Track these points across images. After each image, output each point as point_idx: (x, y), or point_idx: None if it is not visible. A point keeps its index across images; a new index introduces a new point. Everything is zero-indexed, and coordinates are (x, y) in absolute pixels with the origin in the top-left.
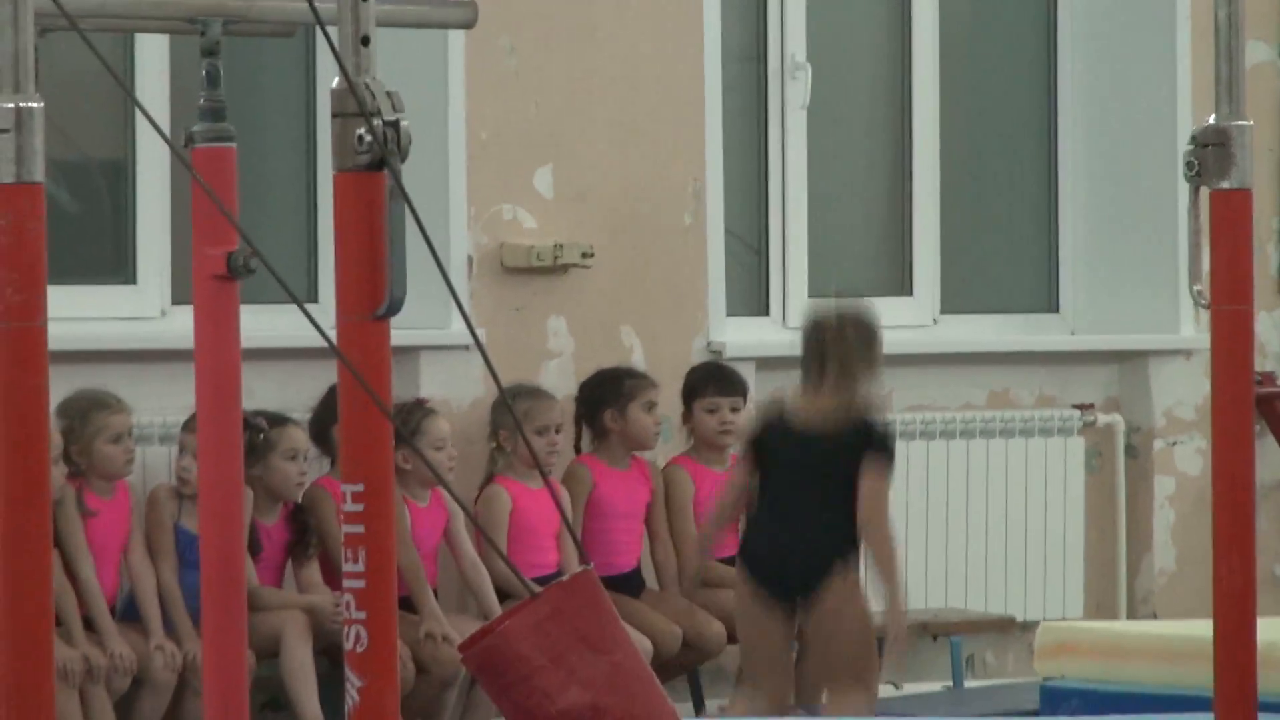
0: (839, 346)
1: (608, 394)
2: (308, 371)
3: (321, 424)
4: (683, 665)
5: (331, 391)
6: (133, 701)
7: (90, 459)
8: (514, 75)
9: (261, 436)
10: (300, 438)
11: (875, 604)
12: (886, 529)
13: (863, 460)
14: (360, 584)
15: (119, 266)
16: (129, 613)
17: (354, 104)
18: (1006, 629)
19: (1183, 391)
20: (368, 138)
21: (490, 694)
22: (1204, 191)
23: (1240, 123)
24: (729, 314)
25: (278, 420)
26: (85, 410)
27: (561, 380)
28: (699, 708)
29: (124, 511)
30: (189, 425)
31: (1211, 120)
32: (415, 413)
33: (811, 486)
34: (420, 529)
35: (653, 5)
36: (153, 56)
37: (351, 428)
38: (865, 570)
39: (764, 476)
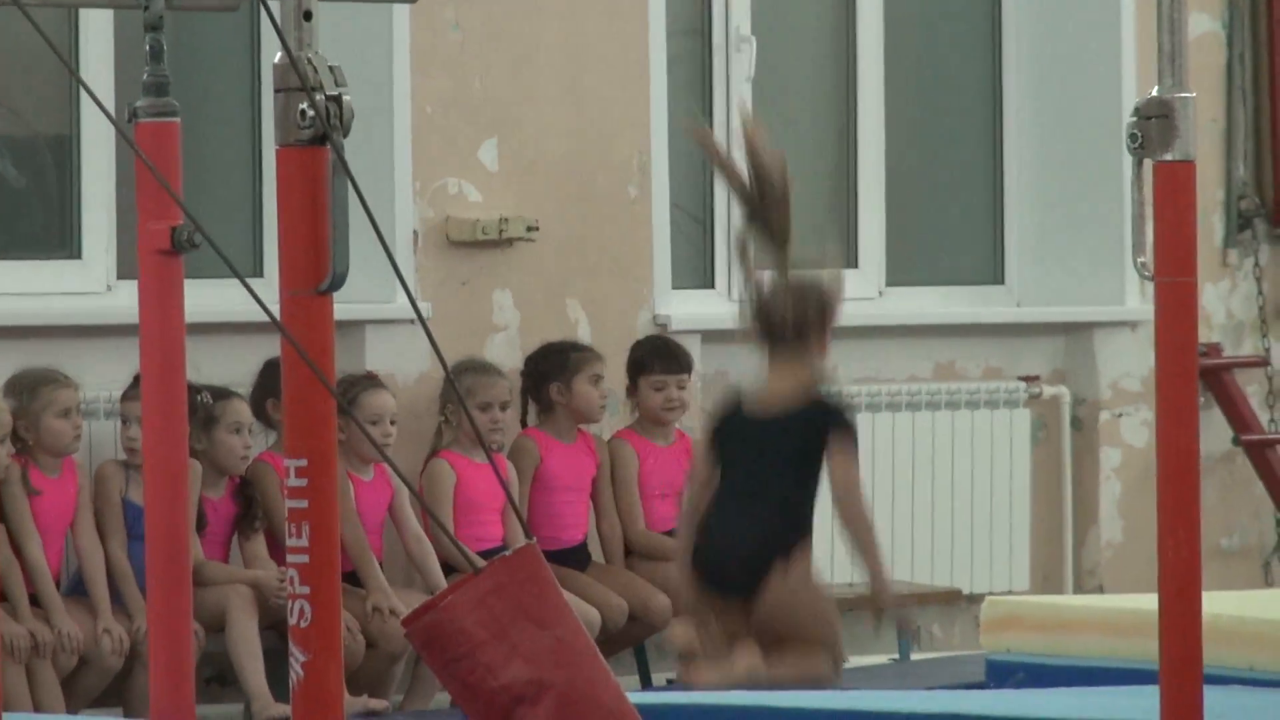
0: (790, 320)
1: (553, 367)
2: (252, 346)
3: (259, 398)
4: (629, 639)
5: (269, 365)
6: (79, 678)
7: (38, 434)
8: (458, 49)
9: (202, 400)
10: (244, 410)
11: (858, 577)
12: (861, 507)
13: (827, 441)
14: (304, 559)
15: (64, 241)
16: (76, 589)
17: (296, 79)
18: (953, 601)
19: (1128, 363)
20: (310, 113)
21: (434, 669)
22: (1148, 163)
23: (1183, 95)
24: (674, 286)
25: (222, 394)
26: (33, 385)
27: (508, 354)
28: (645, 681)
29: (70, 489)
30: (129, 395)
31: (1155, 92)
32: (356, 385)
33: (767, 474)
34: (364, 503)
35: None
36: (97, 32)
37: (295, 403)
38: (831, 547)
39: (722, 469)
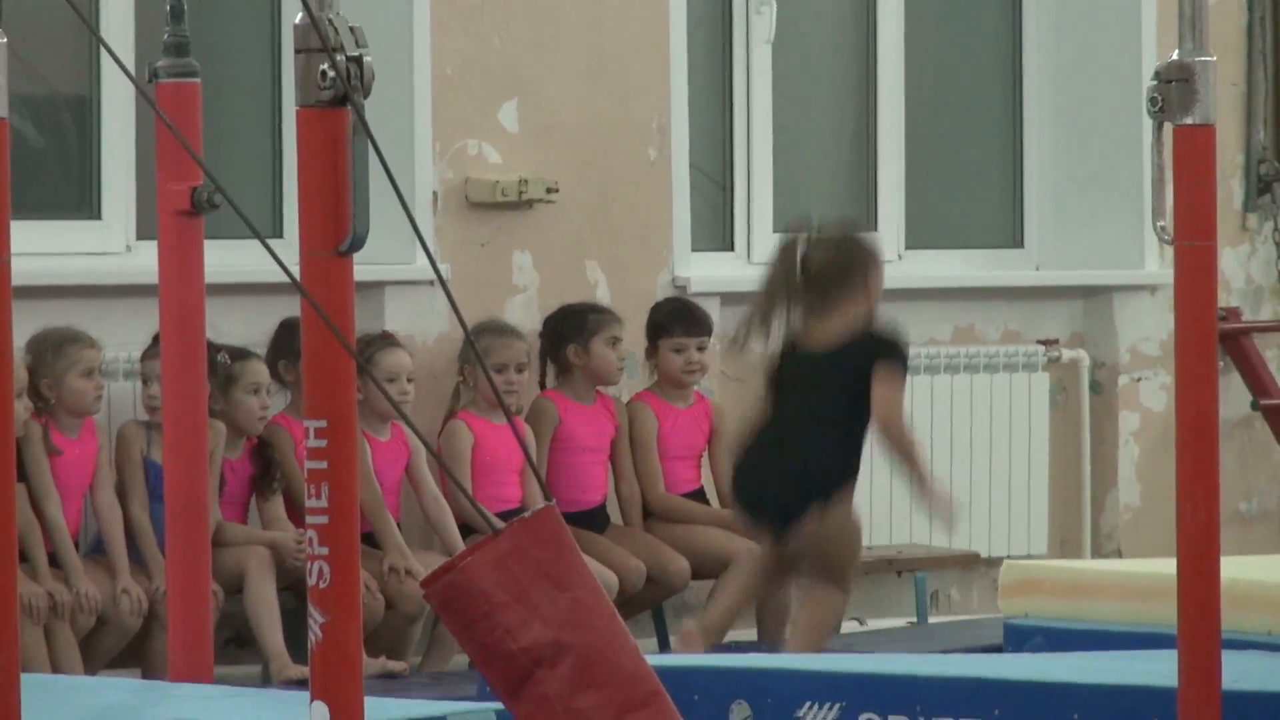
0: (814, 273)
1: (571, 329)
2: (272, 306)
3: (273, 359)
4: (647, 600)
5: (284, 325)
6: (97, 639)
7: (60, 393)
8: (479, 10)
9: (221, 360)
10: (263, 371)
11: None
12: (903, 430)
13: (873, 372)
14: (323, 520)
15: (84, 202)
16: (95, 549)
17: (317, 39)
18: (971, 565)
19: (1147, 327)
20: (330, 73)
21: (453, 630)
22: (1168, 127)
23: (1204, 58)
24: (694, 249)
25: (240, 354)
26: (59, 344)
27: (527, 315)
28: (663, 643)
29: (90, 450)
30: (149, 354)
31: (1175, 56)
32: (373, 344)
33: (814, 410)
34: (381, 463)
35: None
36: None
37: (314, 364)
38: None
39: (774, 404)
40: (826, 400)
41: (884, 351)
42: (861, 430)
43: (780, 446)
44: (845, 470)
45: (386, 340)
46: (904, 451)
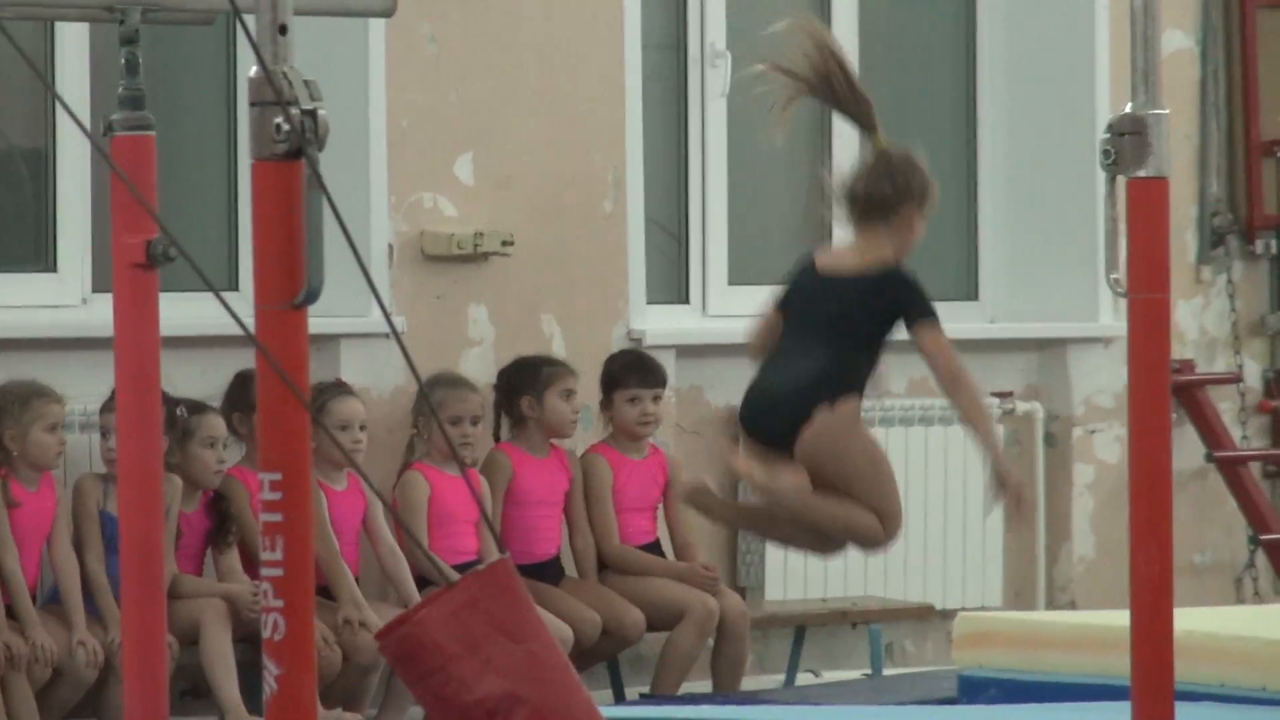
0: (877, 190)
1: (525, 382)
2: (227, 359)
3: (228, 411)
4: (602, 653)
5: (238, 378)
6: (53, 690)
7: (24, 446)
8: (434, 63)
9: (180, 414)
10: (219, 425)
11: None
12: (964, 372)
13: (898, 313)
14: (278, 572)
15: (40, 254)
16: (52, 600)
17: (272, 93)
18: (925, 617)
19: (1101, 379)
20: (285, 126)
21: (407, 682)
22: (1121, 180)
23: (1157, 111)
24: (649, 302)
25: (197, 408)
26: (26, 397)
27: (482, 368)
28: (619, 695)
29: (49, 502)
30: (107, 407)
31: (1128, 109)
32: (325, 392)
33: (824, 329)
34: (337, 513)
35: None
36: (73, 45)
37: (269, 417)
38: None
39: (784, 325)
40: (837, 323)
41: (917, 301)
42: (870, 355)
43: (784, 364)
44: (850, 381)
45: (340, 389)
46: (975, 408)
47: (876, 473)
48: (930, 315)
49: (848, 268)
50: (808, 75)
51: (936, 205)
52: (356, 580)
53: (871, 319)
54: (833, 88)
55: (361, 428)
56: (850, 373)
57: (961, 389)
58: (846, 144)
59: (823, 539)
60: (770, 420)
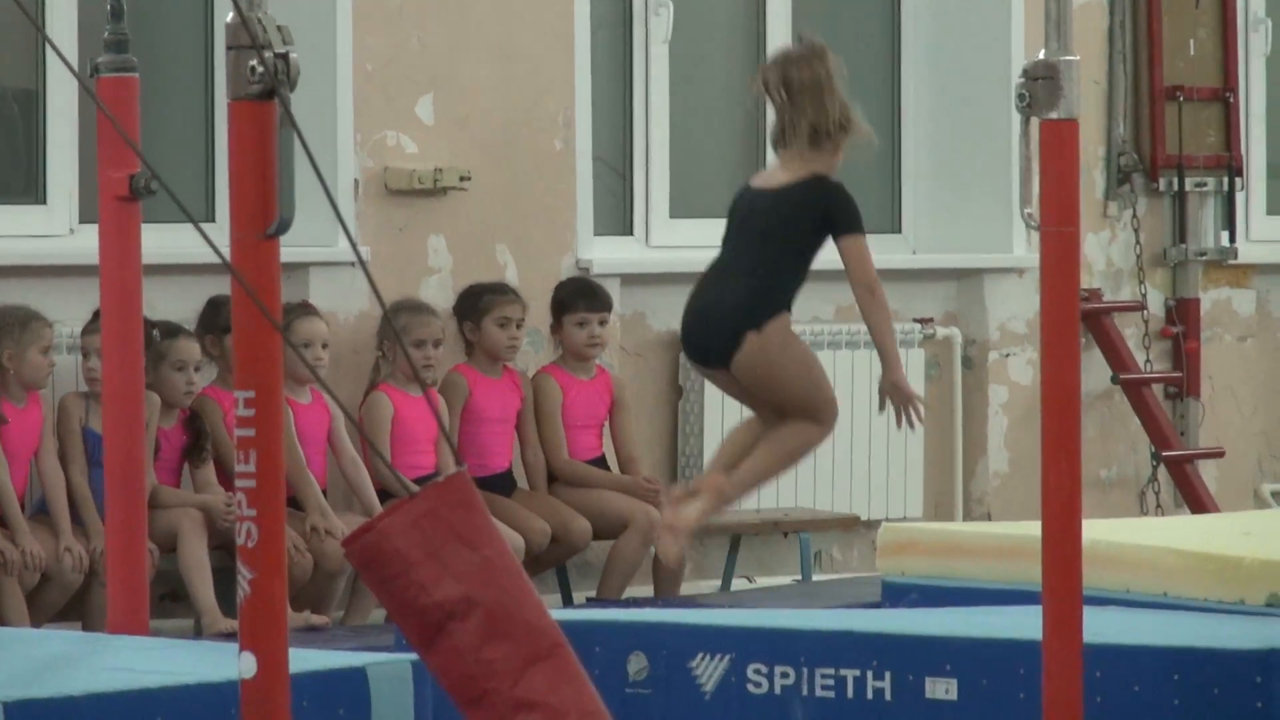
0: (784, 98)
1: (467, 308)
2: (205, 286)
3: (201, 334)
4: (551, 559)
5: (210, 303)
6: (42, 594)
7: (20, 366)
8: (398, 11)
9: (155, 336)
10: (189, 349)
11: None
12: (882, 293)
13: (823, 221)
14: (251, 484)
15: (30, 187)
16: (40, 511)
17: (247, 37)
18: (851, 527)
19: (1015, 307)
20: (259, 69)
21: (371, 587)
22: (1035, 122)
23: (1068, 58)
24: (596, 234)
25: (171, 331)
26: (25, 320)
27: (441, 295)
28: (567, 599)
29: (35, 419)
30: (89, 329)
31: (1041, 55)
32: (291, 313)
33: (751, 242)
34: (303, 425)
35: None
36: None
37: (243, 339)
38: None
39: (721, 245)
40: (764, 234)
41: (841, 209)
42: (797, 265)
43: (714, 282)
44: (776, 298)
45: (304, 309)
46: (884, 320)
47: (808, 374)
48: (858, 227)
49: (779, 182)
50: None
51: (862, 132)
52: (324, 492)
53: (801, 229)
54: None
55: (324, 346)
56: (776, 290)
57: (876, 301)
58: None
59: (784, 470)
60: (704, 344)
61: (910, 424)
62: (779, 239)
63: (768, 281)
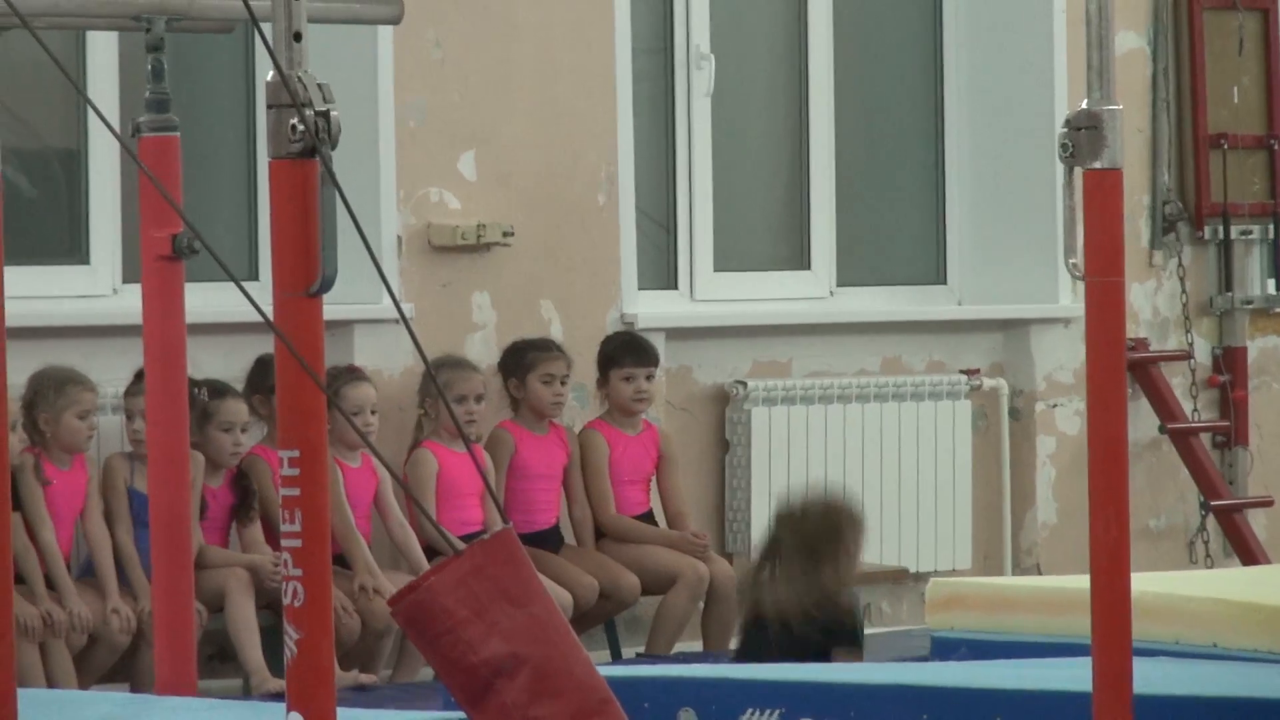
0: (797, 538)
1: (512, 365)
2: (248, 344)
3: (249, 393)
4: (600, 616)
5: (259, 362)
6: (89, 655)
7: (56, 430)
8: (439, 67)
9: (200, 396)
10: (236, 410)
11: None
12: None
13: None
14: (297, 543)
15: (73, 248)
16: (86, 572)
17: (287, 95)
18: (900, 580)
19: (1061, 357)
20: (300, 127)
21: (418, 645)
22: (1078, 171)
23: (1111, 107)
24: (640, 288)
25: (219, 391)
26: (61, 383)
27: (485, 351)
28: (616, 655)
29: (80, 480)
30: (132, 390)
31: (1084, 105)
32: (340, 378)
33: None
34: (352, 488)
35: (568, 0)
36: (103, 51)
37: (287, 397)
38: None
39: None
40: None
41: (846, 638)
42: None
43: None
44: None
45: (353, 374)
46: None
47: None
48: (858, 652)
49: (796, 611)
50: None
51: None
52: (370, 550)
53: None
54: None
55: (373, 411)
56: None
57: None
58: (821, 137)
59: None
60: None
61: None
62: None
63: None
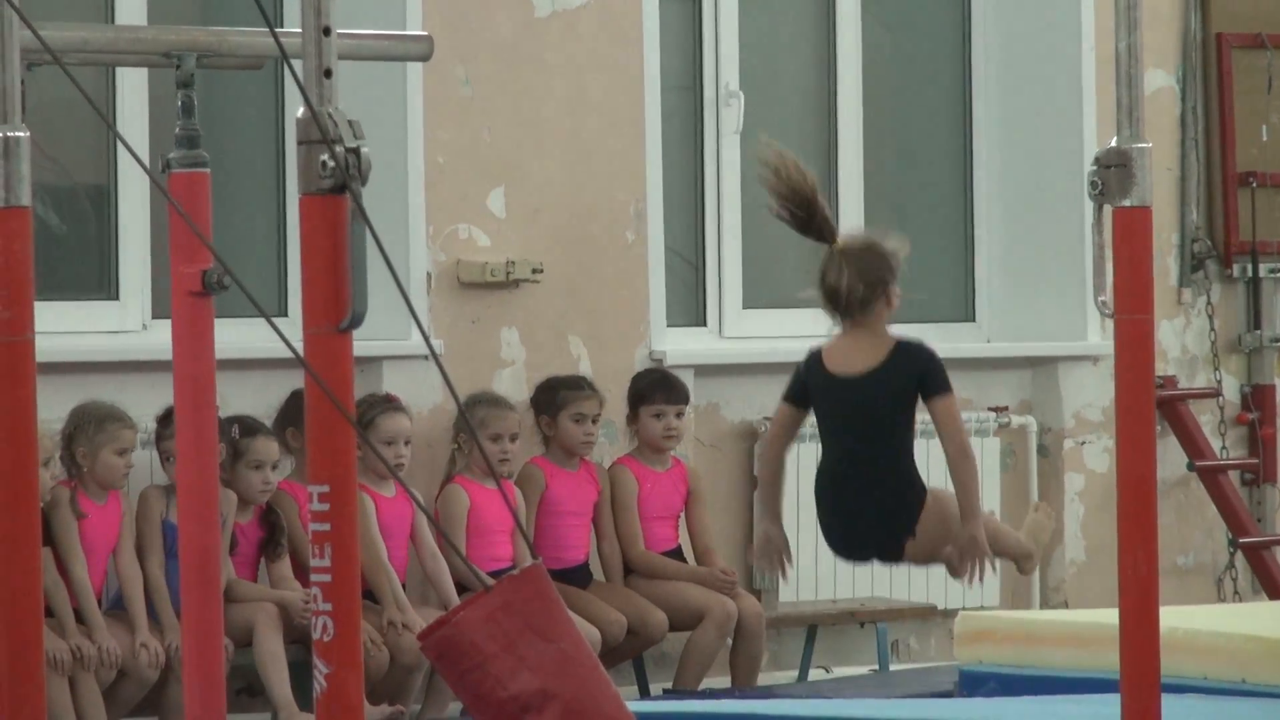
0: (845, 287)
1: (544, 403)
2: (278, 380)
3: (280, 427)
4: (628, 652)
5: (293, 396)
6: (118, 690)
7: (94, 465)
8: (468, 104)
9: (232, 434)
10: (267, 449)
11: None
12: (972, 455)
13: (919, 385)
14: (327, 578)
15: (103, 283)
16: (116, 606)
17: (318, 132)
18: (928, 616)
19: (1090, 394)
20: (330, 163)
21: (447, 680)
22: (1107, 209)
23: (1140, 145)
24: (669, 325)
25: (250, 429)
26: (102, 420)
27: (514, 387)
28: (644, 691)
29: (115, 515)
30: (164, 434)
31: (1113, 143)
32: (375, 407)
33: (872, 440)
34: (387, 518)
35: (597, 37)
36: (133, 88)
37: (317, 433)
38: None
39: (822, 435)
40: (883, 429)
41: (930, 369)
42: (911, 445)
43: (853, 492)
44: (916, 493)
45: (389, 403)
46: (970, 476)
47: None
48: (947, 390)
49: (866, 366)
50: (773, 193)
51: (903, 262)
52: (402, 585)
53: (907, 403)
54: (792, 213)
55: (406, 442)
56: (912, 483)
57: (967, 462)
58: (849, 175)
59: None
60: (863, 554)
61: (980, 579)
62: (890, 424)
63: (905, 479)
